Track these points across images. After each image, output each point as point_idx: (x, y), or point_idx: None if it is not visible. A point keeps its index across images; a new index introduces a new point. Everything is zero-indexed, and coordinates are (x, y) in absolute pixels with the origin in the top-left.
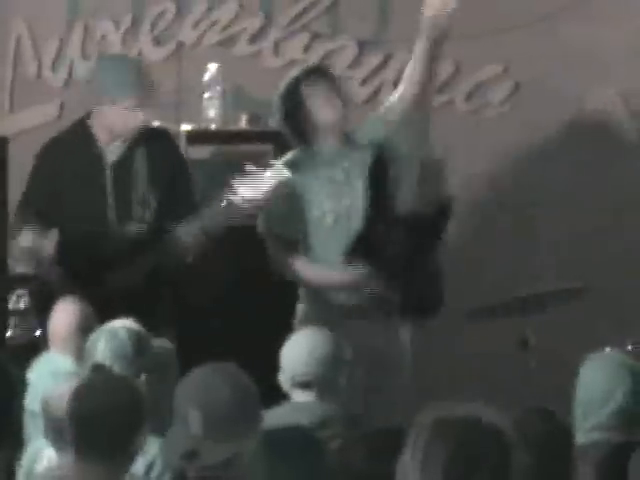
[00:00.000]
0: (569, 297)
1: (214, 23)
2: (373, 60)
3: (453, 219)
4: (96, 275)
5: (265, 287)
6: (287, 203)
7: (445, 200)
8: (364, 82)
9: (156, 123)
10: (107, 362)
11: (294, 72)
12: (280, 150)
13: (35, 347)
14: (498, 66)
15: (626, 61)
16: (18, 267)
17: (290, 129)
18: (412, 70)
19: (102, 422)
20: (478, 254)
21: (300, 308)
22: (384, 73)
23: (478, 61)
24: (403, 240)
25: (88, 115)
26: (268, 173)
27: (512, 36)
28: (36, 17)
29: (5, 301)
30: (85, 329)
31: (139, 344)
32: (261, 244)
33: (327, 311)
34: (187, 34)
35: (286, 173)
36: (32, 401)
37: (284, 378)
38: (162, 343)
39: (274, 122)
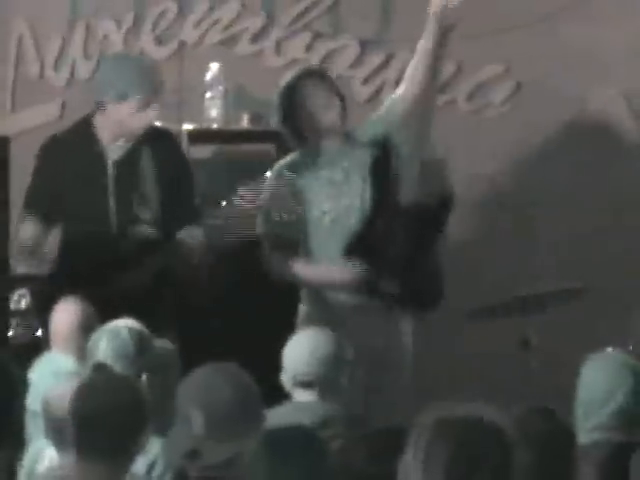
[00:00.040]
0: (569, 297)
1: (216, 22)
2: (375, 59)
3: (454, 219)
4: (97, 275)
5: (267, 287)
6: (287, 204)
7: (446, 193)
8: (366, 81)
9: (157, 123)
10: (109, 362)
11: (292, 74)
12: (282, 150)
13: (37, 347)
14: (499, 66)
15: (627, 61)
16: (19, 267)
17: (289, 130)
18: (415, 69)
19: (104, 422)
20: (479, 254)
21: (302, 309)
22: (386, 73)
23: (479, 61)
24: (405, 234)
25: (92, 114)
26: (269, 173)
27: (513, 36)
28: (38, 17)
29: (6, 301)
30: (87, 329)
31: (141, 344)
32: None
33: (328, 311)
34: (189, 33)
35: (286, 174)
36: (33, 401)
37: (286, 378)
38: (164, 344)
39: (274, 122)
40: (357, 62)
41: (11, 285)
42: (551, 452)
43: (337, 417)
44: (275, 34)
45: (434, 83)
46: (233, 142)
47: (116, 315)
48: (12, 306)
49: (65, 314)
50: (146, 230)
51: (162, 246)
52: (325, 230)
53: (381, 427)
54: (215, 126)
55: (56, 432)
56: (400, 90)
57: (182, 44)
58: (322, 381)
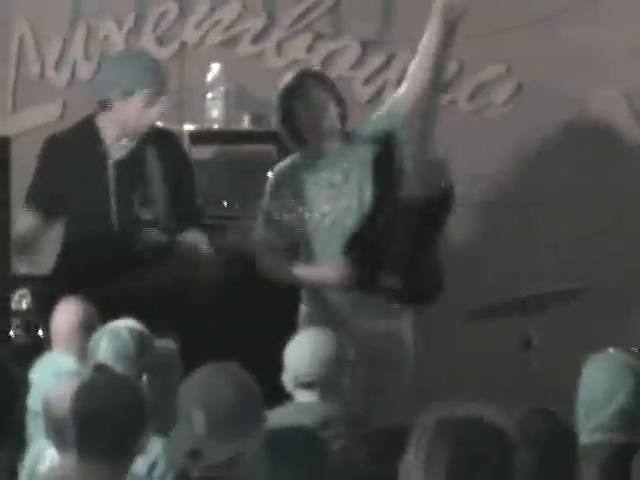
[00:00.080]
0: (569, 298)
1: (217, 23)
2: (376, 60)
3: (454, 219)
4: (98, 275)
5: (268, 287)
6: (287, 206)
7: (447, 187)
8: (367, 82)
9: (159, 124)
10: (109, 362)
11: (291, 75)
12: (283, 150)
13: (38, 347)
14: (501, 66)
15: (628, 61)
16: (20, 267)
17: (288, 132)
18: (417, 68)
19: (104, 422)
20: (479, 254)
21: (302, 309)
22: (387, 73)
23: (480, 61)
24: (406, 228)
25: (95, 113)
26: (269, 174)
27: (514, 37)
28: (39, 17)
29: (7, 301)
30: (88, 329)
31: (141, 344)
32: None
33: (328, 311)
34: (190, 34)
35: (286, 176)
36: (35, 401)
37: (287, 378)
38: (166, 343)
39: (274, 123)
40: (358, 63)
41: (12, 285)
42: (553, 453)
43: (338, 417)
44: (276, 35)
45: (437, 82)
46: (234, 143)
47: (117, 315)
48: (13, 306)
49: (66, 314)
50: (157, 235)
51: (169, 250)
52: (325, 231)
53: (382, 427)
54: (216, 127)
55: (56, 432)
56: (402, 89)
57: (183, 45)
58: (323, 382)
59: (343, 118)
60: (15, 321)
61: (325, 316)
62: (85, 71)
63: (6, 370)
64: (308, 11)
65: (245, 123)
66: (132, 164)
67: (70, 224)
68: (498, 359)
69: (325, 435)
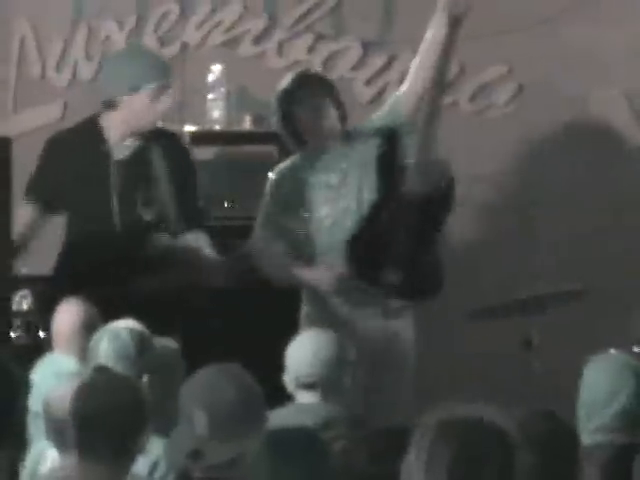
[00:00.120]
0: (569, 299)
1: (218, 24)
2: (377, 61)
3: (456, 220)
4: (101, 275)
5: (269, 287)
6: (287, 207)
7: (449, 182)
8: (368, 83)
9: (160, 124)
10: (109, 363)
11: (290, 77)
12: (284, 151)
13: (39, 348)
14: (502, 67)
15: (629, 62)
16: (22, 267)
17: (287, 133)
18: (419, 66)
19: (104, 422)
20: (480, 254)
21: (304, 309)
22: (388, 74)
23: (482, 62)
24: (408, 223)
25: (99, 113)
26: (270, 174)
27: (516, 37)
28: (40, 17)
29: (8, 302)
30: (89, 329)
31: (141, 345)
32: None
33: (329, 312)
34: (191, 35)
35: (286, 177)
36: (35, 402)
37: (288, 379)
38: (167, 342)
39: (273, 124)
40: (359, 64)
41: (13, 286)
42: (554, 454)
43: (339, 418)
44: (277, 36)
45: (441, 81)
46: (235, 144)
47: (119, 316)
48: (14, 307)
49: (67, 315)
50: (167, 240)
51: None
52: (325, 232)
53: (383, 428)
54: (217, 128)
55: (57, 433)
56: (404, 87)
57: (184, 45)
58: (325, 382)
59: (343, 119)
60: (16, 322)
61: (326, 316)
62: (86, 72)
63: (7, 371)
64: (309, 12)
65: (246, 124)
66: (136, 164)
67: (72, 224)
68: (499, 359)
69: (326, 436)
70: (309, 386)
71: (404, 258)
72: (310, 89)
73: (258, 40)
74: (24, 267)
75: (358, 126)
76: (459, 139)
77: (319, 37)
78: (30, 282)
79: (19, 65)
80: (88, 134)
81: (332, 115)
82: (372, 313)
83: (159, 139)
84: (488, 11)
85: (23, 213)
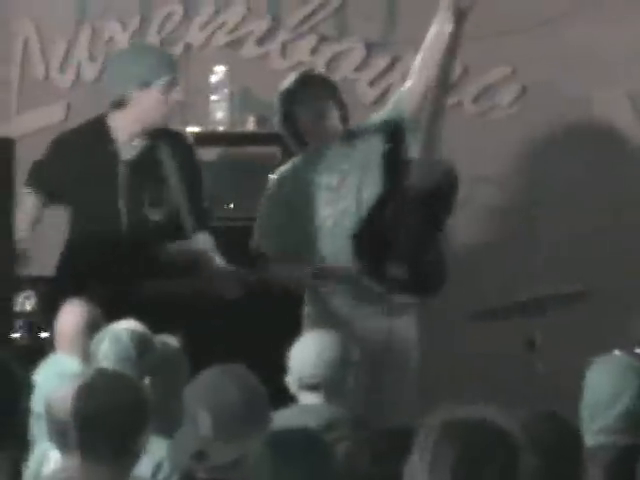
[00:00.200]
0: (573, 300)
1: (221, 25)
2: (381, 62)
3: (458, 220)
4: (105, 275)
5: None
6: (288, 208)
7: (452, 178)
8: (372, 84)
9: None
10: (110, 365)
11: (292, 78)
12: (287, 152)
13: (42, 349)
14: (506, 68)
15: (633, 63)
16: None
17: (289, 134)
18: (423, 64)
19: (105, 421)
20: (483, 255)
21: (306, 310)
22: (392, 75)
23: (486, 63)
24: (413, 218)
25: (106, 114)
26: (272, 175)
27: (519, 39)
28: (44, 18)
29: (11, 302)
30: (92, 330)
31: (142, 346)
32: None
33: (331, 312)
34: (194, 36)
35: (287, 179)
36: (38, 403)
37: (292, 380)
38: (169, 341)
39: (275, 124)
40: (363, 64)
41: (16, 287)
42: (558, 455)
43: (342, 419)
44: (281, 37)
45: (445, 79)
46: (239, 145)
47: (123, 316)
48: (17, 308)
49: (70, 316)
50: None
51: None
52: (327, 232)
53: (387, 429)
54: (221, 129)
55: (59, 434)
56: (408, 83)
57: (188, 46)
58: (328, 383)
59: (345, 120)
60: (19, 323)
61: (328, 316)
62: (89, 72)
63: (10, 372)
64: (313, 13)
65: (250, 125)
66: (144, 164)
67: (76, 223)
68: (501, 360)
69: (329, 437)
70: (312, 387)
71: (408, 253)
72: (312, 90)
73: (262, 41)
74: (27, 268)
75: (361, 125)
76: (463, 140)
77: (322, 38)
78: (33, 283)
79: (22, 66)
80: (95, 134)
81: (334, 116)
82: (374, 312)
83: (166, 138)
84: (492, 12)
85: (25, 202)
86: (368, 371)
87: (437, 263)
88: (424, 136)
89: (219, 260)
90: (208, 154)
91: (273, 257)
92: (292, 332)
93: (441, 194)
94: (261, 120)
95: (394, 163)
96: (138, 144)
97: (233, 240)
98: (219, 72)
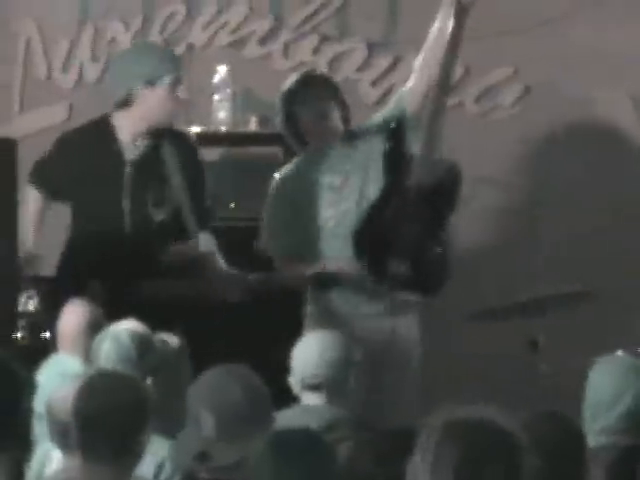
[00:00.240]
0: (577, 300)
1: (224, 25)
2: (382, 62)
3: (461, 221)
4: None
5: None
6: (290, 209)
7: (455, 175)
8: (374, 84)
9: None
10: (111, 366)
11: (294, 78)
12: (289, 152)
13: (44, 349)
14: (508, 68)
15: (635, 63)
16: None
17: (291, 134)
18: (424, 63)
19: (105, 421)
20: (487, 255)
21: (308, 310)
22: (394, 75)
23: (488, 64)
24: (416, 214)
25: (110, 114)
26: (275, 175)
27: (522, 39)
28: (46, 18)
29: (14, 302)
30: (94, 330)
31: (143, 347)
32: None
33: (333, 312)
34: (197, 36)
35: (289, 180)
36: (40, 403)
37: (294, 380)
38: (170, 339)
39: (277, 124)
40: (365, 65)
41: (19, 287)
42: (561, 455)
43: (344, 420)
44: (283, 37)
45: (447, 79)
46: (241, 145)
47: (125, 315)
48: (20, 308)
49: (73, 316)
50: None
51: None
52: (329, 232)
53: (389, 429)
54: (223, 129)
55: (60, 435)
56: (409, 83)
57: (190, 46)
58: (330, 383)
59: (346, 121)
60: (21, 322)
61: (330, 317)
62: (92, 73)
63: (12, 372)
64: (315, 13)
65: (252, 125)
66: (148, 163)
67: (79, 223)
68: (504, 360)
69: (331, 438)
70: (314, 387)
71: (410, 250)
72: (314, 90)
73: (264, 41)
74: (35, 269)
75: (362, 125)
76: (464, 140)
77: (324, 38)
78: (36, 283)
79: (25, 66)
80: (99, 133)
81: (335, 117)
82: (376, 312)
83: (170, 138)
84: (494, 12)
85: (29, 203)
86: (369, 371)
87: (440, 261)
88: (425, 135)
89: (221, 262)
90: (210, 154)
91: (279, 260)
92: (294, 332)
93: (444, 191)
94: (263, 120)
95: (396, 160)
96: (142, 144)
97: (235, 240)
98: (221, 72)
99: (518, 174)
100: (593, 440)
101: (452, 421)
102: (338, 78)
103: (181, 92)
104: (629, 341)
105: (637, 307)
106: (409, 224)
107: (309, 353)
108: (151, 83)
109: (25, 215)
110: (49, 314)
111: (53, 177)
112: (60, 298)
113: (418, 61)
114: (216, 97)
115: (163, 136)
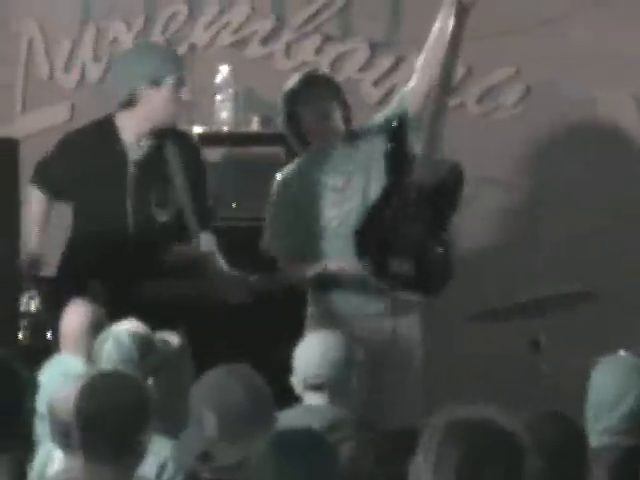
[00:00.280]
0: (576, 301)
1: (226, 25)
2: (385, 62)
3: (463, 221)
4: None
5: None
6: (293, 210)
7: (457, 174)
8: (376, 84)
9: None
10: (114, 366)
11: (297, 78)
12: (291, 153)
13: (46, 349)
14: (510, 69)
15: (637, 63)
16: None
17: (292, 135)
18: (425, 63)
19: (107, 421)
20: (488, 255)
21: (310, 310)
22: (396, 75)
23: (490, 64)
24: (418, 214)
25: (113, 114)
26: (277, 175)
27: (524, 39)
28: (48, 18)
29: (16, 302)
30: (97, 331)
31: (144, 348)
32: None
33: (334, 312)
34: (199, 36)
35: (291, 180)
36: (43, 403)
37: (296, 380)
38: (171, 339)
39: (279, 124)
40: (367, 65)
41: (21, 287)
42: (563, 455)
43: (346, 420)
44: (285, 37)
45: (448, 78)
46: (243, 145)
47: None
48: (22, 308)
49: (75, 316)
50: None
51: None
52: (332, 232)
53: (391, 429)
54: (225, 129)
55: (62, 435)
56: (411, 83)
57: (192, 46)
58: (332, 383)
59: (348, 121)
60: (24, 323)
61: (332, 317)
62: (94, 73)
63: (14, 372)
64: (317, 13)
65: (254, 125)
66: (151, 164)
67: (81, 223)
68: (505, 361)
69: (333, 438)
70: (316, 387)
71: (413, 250)
72: (317, 90)
73: (266, 41)
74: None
75: (363, 125)
76: (466, 141)
77: (327, 38)
78: (38, 283)
79: (26, 66)
80: (103, 134)
81: (337, 117)
82: (377, 312)
83: (173, 138)
84: (495, 13)
85: (32, 203)
86: (371, 371)
87: (442, 261)
88: (426, 135)
89: (221, 262)
90: (212, 154)
91: (282, 261)
92: (296, 332)
93: (446, 190)
94: (265, 120)
95: (397, 160)
96: (145, 144)
97: (237, 240)
98: (223, 72)
99: (520, 174)
100: (595, 440)
101: (454, 421)
102: (340, 78)
103: (184, 93)
104: (630, 341)
105: (637, 307)
106: (410, 224)
107: (311, 353)
108: (155, 83)
109: (28, 215)
110: (51, 314)
111: (56, 177)
112: (62, 298)
113: (420, 61)
114: (218, 97)
115: (166, 136)
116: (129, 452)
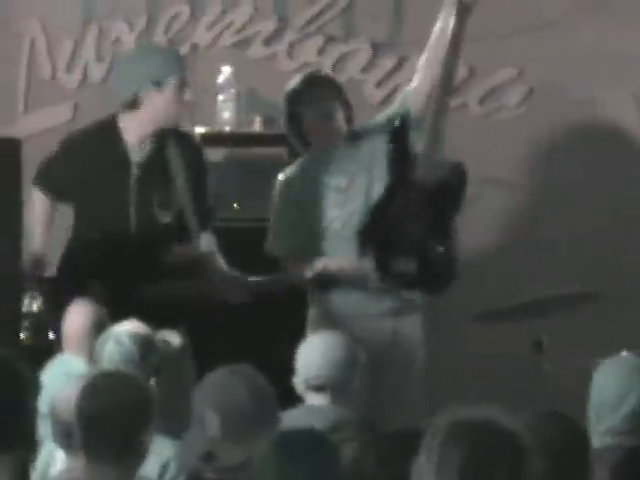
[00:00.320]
0: (578, 301)
1: (228, 25)
2: (387, 63)
3: (465, 220)
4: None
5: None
6: (295, 211)
7: (460, 173)
8: (379, 84)
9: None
10: (115, 367)
11: (298, 78)
12: (294, 153)
13: (48, 349)
14: (512, 69)
15: (639, 64)
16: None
17: (294, 135)
18: (427, 63)
19: (109, 422)
20: (491, 256)
21: (311, 311)
22: (398, 76)
23: (492, 65)
24: (421, 212)
25: (116, 115)
26: (280, 175)
27: (526, 40)
28: (50, 18)
29: (18, 302)
30: (99, 331)
31: (145, 348)
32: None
33: (335, 312)
34: (201, 36)
35: (294, 180)
36: (45, 403)
37: (298, 381)
38: (171, 337)
39: (281, 125)
40: (369, 65)
41: (23, 287)
42: (565, 456)
43: (348, 420)
44: (288, 37)
45: (449, 78)
46: (245, 145)
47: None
48: (24, 308)
49: (77, 316)
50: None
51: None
52: (335, 234)
53: (393, 430)
54: (227, 129)
55: (63, 436)
56: (414, 83)
57: (194, 47)
58: (334, 384)
59: (349, 121)
60: (26, 323)
61: (333, 317)
62: (96, 73)
63: (17, 372)
64: (320, 13)
65: (256, 125)
66: (154, 165)
67: (82, 224)
68: (508, 361)
69: (335, 438)
70: (318, 388)
71: (416, 249)
72: (319, 90)
73: (268, 41)
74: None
75: (365, 125)
76: (469, 141)
77: (329, 39)
78: (39, 283)
79: (29, 66)
80: (105, 135)
81: (339, 117)
82: (378, 312)
83: (175, 139)
84: (498, 13)
85: (35, 204)
86: (371, 371)
87: (446, 259)
88: (428, 135)
89: (221, 262)
90: (214, 154)
91: (284, 261)
92: (298, 332)
93: (448, 189)
94: (267, 121)
95: (399, 160)
96: (147, 145)
97: (239, 240)
98: (225, 72)
99: (522, 175)
100: (598, 441)
101: (457, 422)
102: (343, 79)
103: (187, 95)
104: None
105: (638, 307)
106: (413, 223)
107: (313, 354)
108: (157, 84)
109: (32, 216)
110: (53, 314)
111: (58, 178)
112: (63, 298)
113: (421, 61)
114: (220, 97)
115: (168, 137)
116: (131, 452)
